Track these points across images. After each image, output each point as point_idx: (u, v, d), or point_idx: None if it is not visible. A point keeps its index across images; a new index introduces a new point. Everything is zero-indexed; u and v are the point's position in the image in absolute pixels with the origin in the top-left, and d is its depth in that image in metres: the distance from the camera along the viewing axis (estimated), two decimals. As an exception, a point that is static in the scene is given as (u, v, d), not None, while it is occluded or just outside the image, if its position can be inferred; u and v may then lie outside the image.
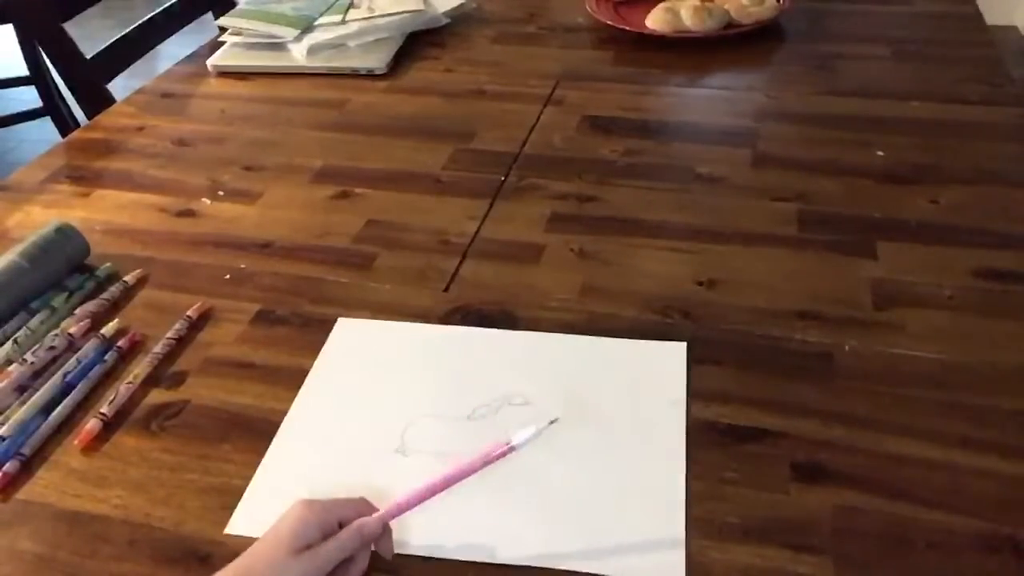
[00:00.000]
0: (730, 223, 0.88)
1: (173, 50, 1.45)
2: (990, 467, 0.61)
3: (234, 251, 0.88)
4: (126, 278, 0.83)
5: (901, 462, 0.61)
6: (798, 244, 0.84)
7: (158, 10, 1.43)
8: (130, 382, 0.71)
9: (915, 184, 0.92)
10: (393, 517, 0.55)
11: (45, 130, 2.39)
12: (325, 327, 0.77)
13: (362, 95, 1.18)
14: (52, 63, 1.35)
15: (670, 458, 0.63)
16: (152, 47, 1.43)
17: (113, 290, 0.82)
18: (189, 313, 0.78)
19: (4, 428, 0.67)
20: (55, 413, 0.69)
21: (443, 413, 0.68)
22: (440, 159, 1.02)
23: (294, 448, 0.66)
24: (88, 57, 1.30)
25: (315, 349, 0.74)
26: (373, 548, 0.55)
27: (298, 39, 1.28)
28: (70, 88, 1.34)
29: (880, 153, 0.98)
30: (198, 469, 0.64)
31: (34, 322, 0.78)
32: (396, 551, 0.56)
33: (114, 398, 0.70)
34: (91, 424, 0.67)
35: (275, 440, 0.66)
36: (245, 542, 0.55)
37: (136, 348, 0.76)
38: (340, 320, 0.77)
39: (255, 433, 0.67)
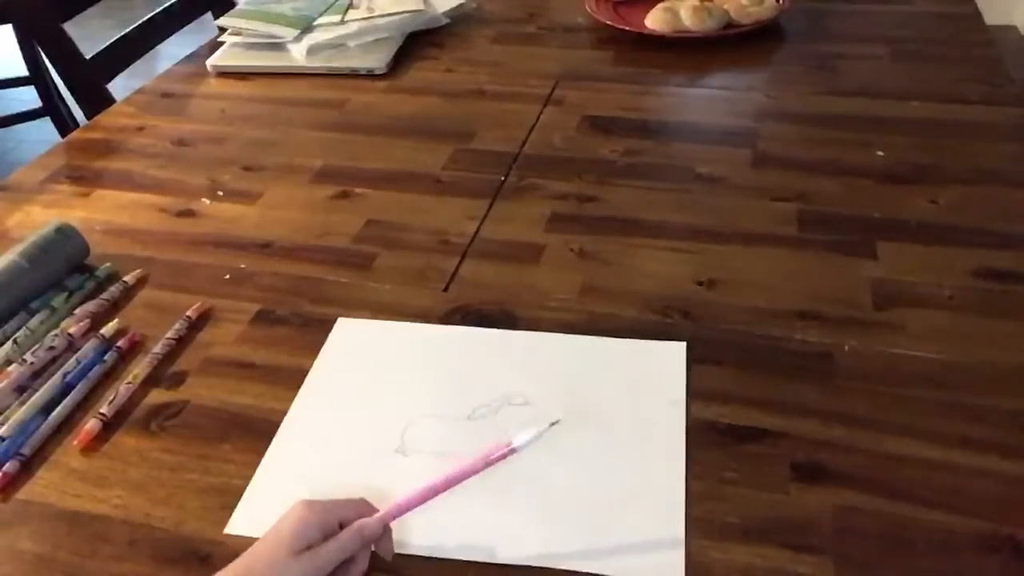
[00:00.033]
0: (730, 223, 0.88)
1: (173, 50, 1.45)
2: (990, 467, 0.61)
3: (234, 251, 0.88)
4: (126, 278, 0.83)
5: (901, 462, 0.61)
6: (798, 244, 0.84)
7: (158, 10, 1.43)
8: (130, 382, 0.71)
9: (915, 184, 0.92)
10: (394, 518, 0.55)
11: (45, 130, 2.38)
12: (325, 327, 0.77)
13: (362, 95, 1.18)
14: (52, 63, 1.35)
15: (670, 458, 0.63)
16: (152, 47, 1.43)
17: (113, 290, 0.82)
18: (189, 313, 0.78)
19: (4, 428, 0.67)
20: (55, 413, 0.69)
21: (443, 413, 0.68)
22: (440, 159, 1.02)
23: (294, 448, 0.66)
24: (88, 57, 1.30)
25: (315, 349, 0.74)
26: (373, 549, 0.55)
27: (298, 39, 1.28)
28: (70, 88, 1.34)
29: (880, 153, 0.98)
30: (198, 469, 0.64)
31: (34, 322, 0.78)
32: (396, 551, 0.56)
33: (114, 398, 0.70)
34: (91, 424, 0.67)
35: (275, 440, 0.66)
36: (245, 542, 0.55)
37: (136, 348, 0.76)
38: (340, 320, 0.77)
39: (255, 433, 0.67)
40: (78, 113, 1.76)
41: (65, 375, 0.72)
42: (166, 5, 1.45)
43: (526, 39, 1.33)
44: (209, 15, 1.51)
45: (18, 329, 0.77)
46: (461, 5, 1.39)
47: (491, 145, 1.04)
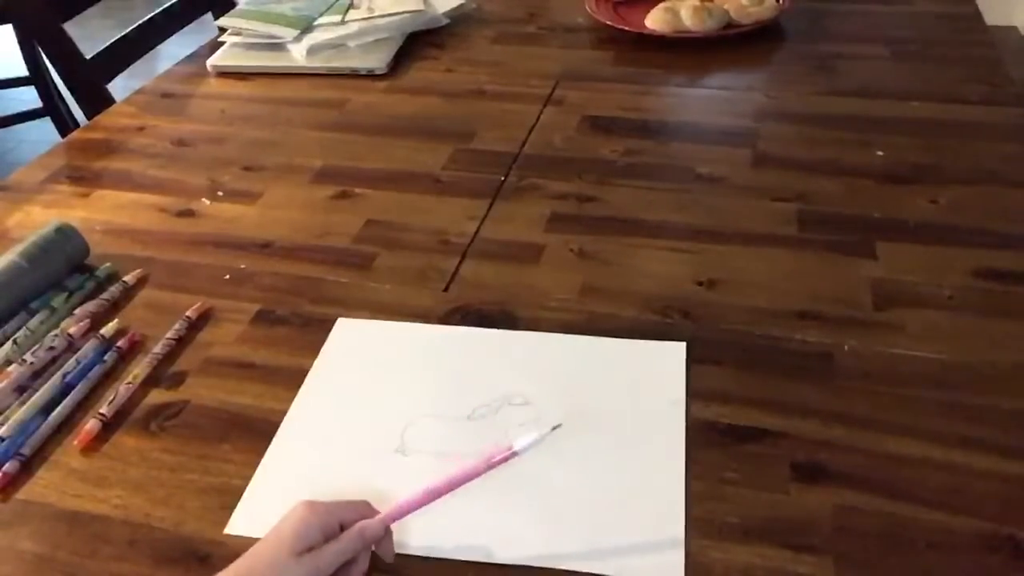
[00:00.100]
0: (730, 223, 0.88)
1: (173, 50, 1.45)
2: (990, 467, 0.61)
3: (234, 251, 0.88)
4: (126, 278, 0.83)
5: (901, 462, 0.61)
6: (798, 244, 0.84)
7: (158, 10, 1.43)
8: (130, 382, 0.71)
9: (915, 184, 0.92)
10: (395, 520, 0.55)
11: (45, 130, 2.38)
12: (325, 327, 0.77)
13: (362, 95, 1.18)
14: (52, 63, 1.35)
15: (670, 458, 0.63)
16: (152, 47, 1.43)
17: (113, 290, 0.82)
18: (189, 313, 0.78)
19: (4, 428, 0.67)
20: (55, 413, 0.69)
21: (443, 413, 0.68)
22: (440, 159, 1.02)
23: (294, 448, 0.66)
24: (88, 57, 1.30)
25: (315, 349, 0.74)
26: (373, 550, 0.55)
27: (298, 39, 1.28)
28: (70, 88, 1.34)
29: (880, 153, 0.98)
30: (198, 469, 0.64)
31: (34, 322, 0.78)
32: (396, 551, 0.56)
33: (114, 398, 0.70)
34: (91, 424, 0.67)
35: (275, 440, 0.66)
36: (245, 542, 0.55)
37: (136, 348, 0.76)
38: (340, 320, 0.77)
39: (255, 433, 0.67)
40: (78, 113, 1.76)
41: (65, 375, 0.72)
42: (166, 5, 1.45)
43: (526, 39, 1.33)
44: (209, 15, 1.51)
45: (18, 329, 0.77)
46: (461, 5, 1.39)
47: (491, 145, 1.04)
